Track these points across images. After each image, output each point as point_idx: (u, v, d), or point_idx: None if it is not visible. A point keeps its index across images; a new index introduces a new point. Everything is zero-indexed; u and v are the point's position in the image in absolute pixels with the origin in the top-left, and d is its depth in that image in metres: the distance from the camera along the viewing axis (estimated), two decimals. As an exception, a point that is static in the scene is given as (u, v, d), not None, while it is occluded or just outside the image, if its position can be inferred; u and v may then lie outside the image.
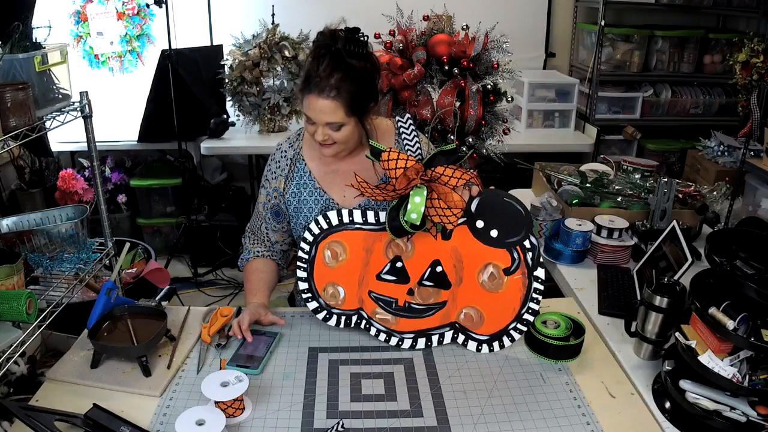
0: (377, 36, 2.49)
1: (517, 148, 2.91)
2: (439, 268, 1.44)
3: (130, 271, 2.50)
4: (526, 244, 1.41)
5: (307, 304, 1.52)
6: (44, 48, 1.79)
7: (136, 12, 3.56)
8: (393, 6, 2.50)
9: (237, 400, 1.22)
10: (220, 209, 3.61)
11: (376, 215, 1.45)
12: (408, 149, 1.53)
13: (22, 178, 3.14)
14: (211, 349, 1.46)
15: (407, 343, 1.47)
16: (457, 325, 1.48)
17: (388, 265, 1.45)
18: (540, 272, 1.42)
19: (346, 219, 1.46)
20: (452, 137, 2.44)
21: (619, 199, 2.14)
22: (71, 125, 1.70)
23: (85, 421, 1.18)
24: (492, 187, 1.45)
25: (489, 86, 2.48)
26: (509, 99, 2.58)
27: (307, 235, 1.48)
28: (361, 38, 1.40)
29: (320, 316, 1.51)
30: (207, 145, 3.22)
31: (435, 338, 1.48)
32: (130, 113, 3.42)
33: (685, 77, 3.71)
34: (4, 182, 3.16)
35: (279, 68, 3.18)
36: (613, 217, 1.97)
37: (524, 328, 1.46)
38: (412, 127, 1.56)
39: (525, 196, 2.42)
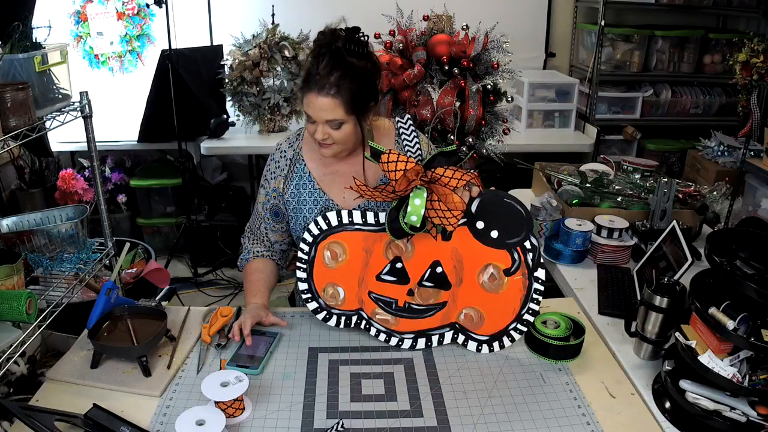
0: (377, 36, 2.49)
1: (517, 148, 2.90)
2: (439, 269, 1.44)
3: (130, 271, 2.49)
4: (527, 244, 1.41)
5: (307, 305, 1.52)
6: (44, 48, 1.79)
7: (136, 12, 3.56)
8: (393, 6, 2.50)
9: (237, 400, 1.22)
10: (220, 209, 3.61)
11: (376, 216, 1.45)
12: (408, 150, 1.53)
13: (22, 178, 3.14)
14: (211, 349, 1.46)
15: (407, 344, 1.47)
16: (457, 325, 1.48)
17: (388, 265, 1.45)
18: (540, 273, 1.42)
19: (345, 220, 1.46)
20: (452, 137, 2.44)
21: (619, 199, 2.14)
22: (71, 125, 1.71)
23: (85, 421, 1.18)
24: (492, 188, 1.44)
25: (489, 86, 2.48)
26: (509, 99, 2.58)
27: (306, 235, 1.48)
28: (362, 38, 1.40)
29: (320, 316, 1.51)
30: (207, 145, 3.23)
31: (435, 338, 1.48)
32: (130, 113, 3.42)
33: (685, 77, 3.72)
34: (4, 182, 3.16)
35: (279, 68, 3.18)
36: (613, 217, 1.97)
37: (524, 329, 1.46)
38: (412, 127, 1.56)
39: (525, 196, 2.42)
